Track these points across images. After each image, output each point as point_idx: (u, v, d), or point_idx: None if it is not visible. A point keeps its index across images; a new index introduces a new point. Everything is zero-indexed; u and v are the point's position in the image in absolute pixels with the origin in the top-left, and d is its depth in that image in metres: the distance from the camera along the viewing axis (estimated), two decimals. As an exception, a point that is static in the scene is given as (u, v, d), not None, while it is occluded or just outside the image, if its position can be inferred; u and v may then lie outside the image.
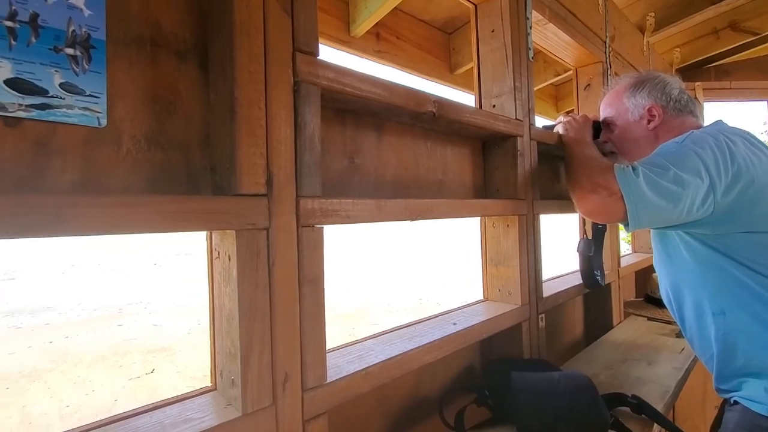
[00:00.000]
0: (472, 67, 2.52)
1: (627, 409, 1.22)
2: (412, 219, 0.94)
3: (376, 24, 2.03)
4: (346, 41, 2.00)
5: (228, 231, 0.66)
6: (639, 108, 1.32)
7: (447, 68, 2.51)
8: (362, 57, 2.12)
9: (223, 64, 0.69)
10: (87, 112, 0.62)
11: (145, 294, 9.67)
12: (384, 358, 0.86)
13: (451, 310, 1.24)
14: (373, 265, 13.33)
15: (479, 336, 1.12)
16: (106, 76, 0.64)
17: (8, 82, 0.56)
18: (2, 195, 0.46)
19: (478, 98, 1.42)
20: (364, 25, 1.97)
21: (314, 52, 0.77)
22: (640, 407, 1.20)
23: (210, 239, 0.73)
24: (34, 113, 0.58)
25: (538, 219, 1.41)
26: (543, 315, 1.41)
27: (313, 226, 0.74)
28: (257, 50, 0.69)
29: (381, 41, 2.14)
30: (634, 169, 1.02)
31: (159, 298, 9.17)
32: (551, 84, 3.31)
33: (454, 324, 1.09)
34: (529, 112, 1.42)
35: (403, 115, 1.03)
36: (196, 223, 0.60)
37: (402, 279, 11.42)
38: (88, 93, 0.62)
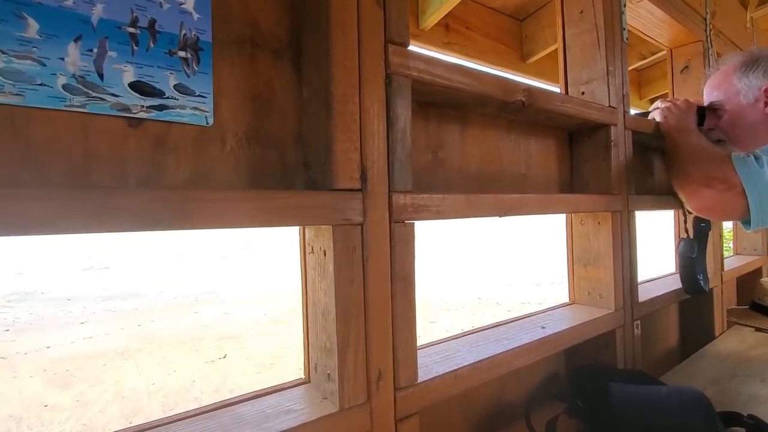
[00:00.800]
0: (545, 56, 2.38)
1: (742, 430, 1.07)
2: (501, 215, 0.89)
3: (445, 15, 1.98)
4: (414, 34, 1.96)
5: (324, 226, 0.66)
6: (753, 89, 1.15)
7: (518, 57, 2.38)
8: (431, 50, 2.08)
9: (317, 60, 0.69)
10: (197, 112, 0.65)
11: (217, 284, 10.41)
12: (473, 360, 0.82)
13: (534, 313, 1.17)
14: (431, 262, 13.21)
15: (570, 342, 1.04)
16: (212, 76, 0.66)
17: (131, 85, 0.60)
18: (137, 190, 0.49)
19: (563, 86, 1.32)
20: (433, 17, 1.92)
21: (405, 43, 0.74)
22: (760, 429, 1.05)
23: (303, 234, 0.74)
24: (153, 114, 0.61)
25: (633, 216, 1.28)
26: (638, 322, 1.28)
27: (404, 222, 0.73)
28: (351, 44, 0.68)
29: (450, 32, 2.08)
30: (756, 158, 0.88)
31: (229, 289, 9.83)
32: (634, 69, 3.03)
33: (543, 328, 1.02)
34: (624, 99, 1.29)
35: (489, 106, 0.98)
36: (295, 218, 0.61)
37: (460, 276, 11.21)
38: (197, 93, 0.65)
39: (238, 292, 9.52)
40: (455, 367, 0.79)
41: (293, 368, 4.95)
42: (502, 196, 0.89)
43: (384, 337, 0.69)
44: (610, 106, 1.22)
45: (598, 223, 1.21)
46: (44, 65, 0.54)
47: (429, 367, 0.79)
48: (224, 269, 13.15)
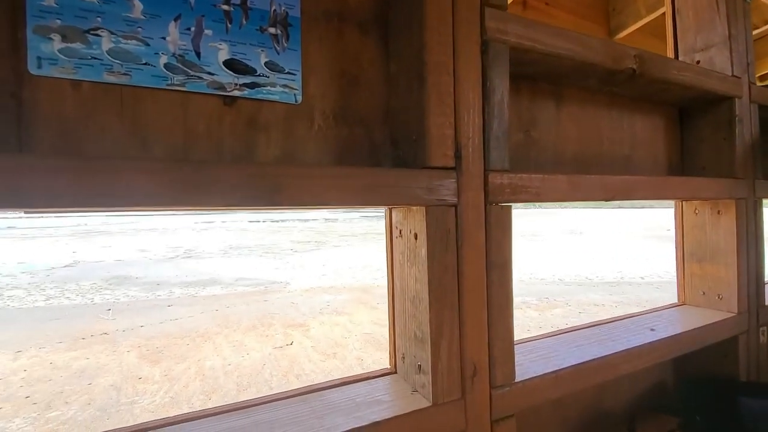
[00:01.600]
0: (637, 30, 2.13)
1: None
2: (607, 198, 0.78)
3: (523, -9, 1.84)
4: (489, 15, 1.85)
5: (415, 207, 0.62)
6: None
7: (605, 32, 2.16)
8: (506, 30, 1.95)
9: (408, 29, 0.64)
10: (286, 89, 0.63)
11: (284, 275, 10.95)
12: (576, 362, 0.73)
13: (638, 313, 1.04)
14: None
15: (685, 348, 0.90)
16: (300, 53, 0.64)
17: (226, 63, 0.60)
18: (236, 163, 0.48)
19: (674, 54, 1.15)
20: (510, -7, 1.80)
21: (503, 5, 0.67)
22: None
23: (389, 217, 0.71)
24: (246, 92, 0.61)
25: (760, 204, 1.09)
26: (765, 328, 1.09)
27: (501, 204, 0.66)
28: (445, 8, 0.62)
29: (528, 9, 1.93)
30: None
31: (295, 279, 10.29)
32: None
33: (652, 330, 0.89)
34: (748, 68, 1.10)
35: (591, 77, 0.87)
36: (387, 198, 0.57)
37: (518, 273, 10.72)
38: (286, 70, 0.63)
39: (302, 282, 9.93)
40: (556, 368, 0.71)
41: (355, 358, 5.05)
42: (609, 178, 0.79)
43: (479, 329, 0.63)
44: (733, 75, 1.04)
45: (718, 212, 1.04)
46: (148, 45, 0.55)
47: (525, 366, 0.71)
48: (291, 262, 13.82)
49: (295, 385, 4.38)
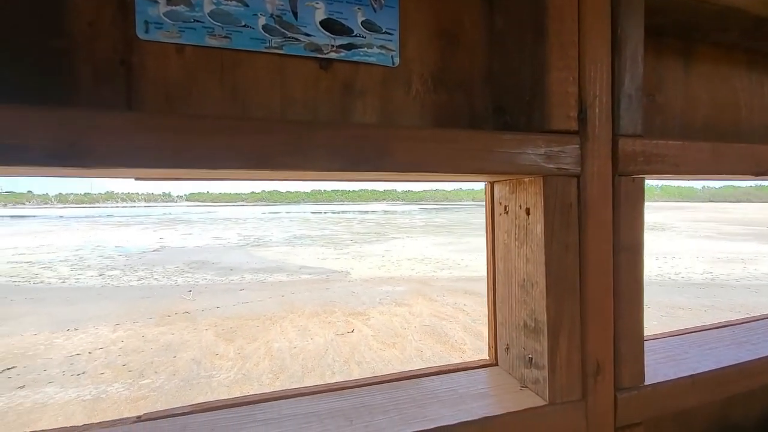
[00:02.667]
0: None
1: None
2: (757, 174, 0.64)
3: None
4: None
5: (527, 179, 0.54)
6: None
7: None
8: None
9: None
10: (383, 51, 0.58)
11: (345, 265, 11.22)
12: (713, 367, 0.61)
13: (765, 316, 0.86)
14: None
15: None
16: (398, 10, 0.59)
17: (322, 23, 0.56)
18: (334, 125, 0.44)
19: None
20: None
21: (637, -64, 0.56)
22: None
23: (491, 192, 0.63)
24: (342, 54, 0.57)
25: None
26: None
27: (632, 176, 0.56)
28: (568, -57, 0.53)
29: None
30: None
31: (355, 269, 10.50)
32: None
33: (808, 335, 0.73)
34: None
35: (732, 29, 0.72)
36: (498, 164, 0.50)
37: (596, 273, 9.97)
38: (384, 30, 0.58)
39: (362, 273, 10.10)
40: (691, 372, 0.60)
41: (414, 350, 5.03)
42: (760, 148, 0.64)
43: (603, 320, 0.54)
44: None
45: None
46: (247, 5, 0.52)
47: (652, 368, 0.61)
48: (351, 252, 14.14)
49: (357, 371, 4.45)
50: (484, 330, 6.02)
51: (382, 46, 0.58)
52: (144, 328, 5.84)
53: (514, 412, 0.49)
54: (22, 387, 3.98)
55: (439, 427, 0.46)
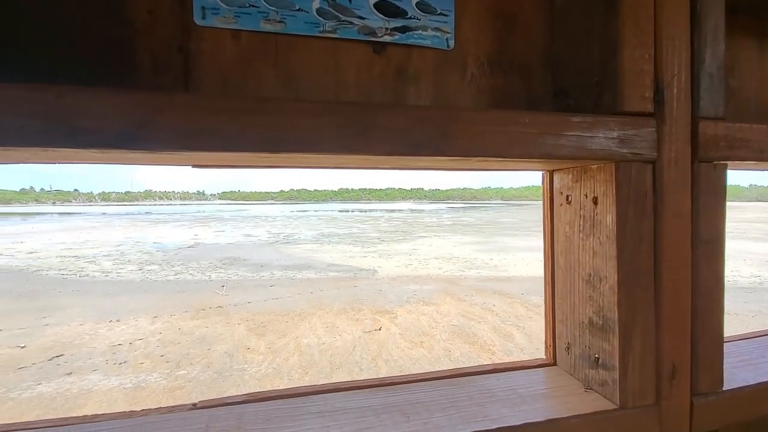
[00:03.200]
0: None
1: None
2: None
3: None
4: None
5: (595, 165, 0.50)
6: None
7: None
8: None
9: None
10: (437, 33, 0.56)
11: (372, 263, 11.25)
12: (802, 375, 0.56)
13: None
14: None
15: None
16: (453, -10, 0.56)
17: (376, 6, 0.54)
18: (396, 106, 0.42)
19: None
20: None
21: None
22: None
23: (549, 181, 0.60)
24: (396, 37, 0.55)
25: None
26: None
27: (713, 162, 0.51)
28: None
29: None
30: None
31: (382, 268, 10.51)
32: None
33: None
34: None
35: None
36: (565, 150, 0.46)
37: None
38: (438, 11, 0.56)
39: (389, 271, 10.10)
40: (776, 379, 0.54)
41: (442, 349, 4.97)
42: None
43: (680, 319, 0.50)
44: None
45: None
46: (302, -12, 0.51)
47: (730, 372, 0.56)
48: (378, 251, 14.18)
49: (384, 369, 4.43)
50: (514, 331, 5.85)
51: (436, 29, 0.56)
52: (180, 321, 6.06)
53: (581, 415, 0.46)
54: (70, 374, 4.20)
55: (501, 428, 0.43)
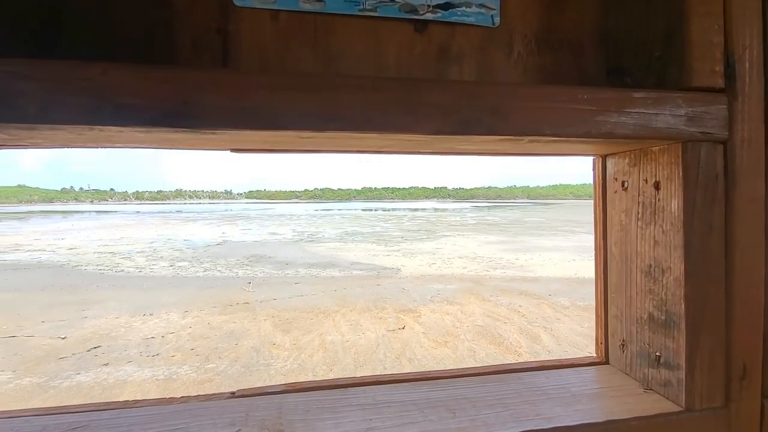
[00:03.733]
0: None
1: None
2: None
3: None
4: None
5: (657, 147, 0.46)
6: None
7: None
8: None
9: None
10: (482, 10, 0.53)
11: (395, 262, 11.24)
12: None
13: None
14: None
15: None
16: (498, -35, 0.53)
17: (416, -16, 0.52)
18: (449, 83, 0.40)
19: None
20: None
21: None
22: None
23: (601, 166, 0.56)
24: (439, 14, 0.52)
25: None
26: None
27: (793, 142, 0.46)
28: None
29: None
30: None
31: (406, 267, 10.49)
32: None
33: None
34: None
35: None
36: (624, 128, 0.43)
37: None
38: (483, -13, 0.53)
39: (413, 270, 10.06)
40: None
41: (467, 349, 4.90)
42: None
43: (753, 315, 0.45)
44: None
45: None
46: (341, -33, 0.50)
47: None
48: (402, 250, 14.17)
49: (408, 368, 4.40)
50: (541, 333, 5.70)
51: (481, 5, 0.53)
52: (209, 316, 6.22)
53: (643, 417, 0.42)
54: (107, 364, 4.38)
55: (557, 428, 0.40)
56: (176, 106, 0.33)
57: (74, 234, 20.53)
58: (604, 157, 0.55)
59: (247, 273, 9.70)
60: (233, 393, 0.46)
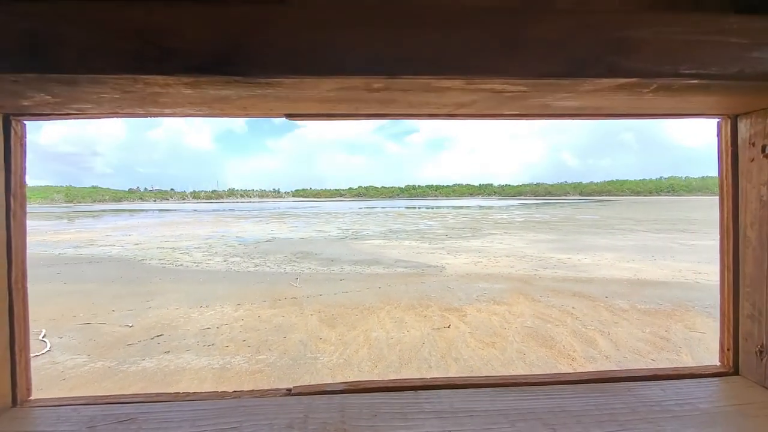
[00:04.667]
0: None
1: None
2: None
3: None
4: None
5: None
6: None
7: None
8: None
9: None
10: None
11: (440, 260, 11.07)
12: None
13: None
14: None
15: None
16: None
17: None
18: (548, 12, 0.32)
19: None
20: None
21: None
22: None
23: (728, 128, 0.45)
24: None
25: None
26: None
27: None
28: None
29: None
30: None
31: (450, 265, 10.29)
32: None
33: None
34: None
35: None
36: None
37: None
38: None
39: (458, 268, 9.85)
40: None
41: (515, 351, 4.69)
42: None
43: None
44: None
45: None
46: None
47: None
48: (446, 247, 13.97)
49: (454, 368, 4.27)
50: (598, 337, 5.36)
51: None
52: (259, 310, 6.45)
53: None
54: (168, 352, 4.66)
55: (695, 457, 0.31)
56: (227, 48, 0.28)
57: (139, 230, 22.28)
58: (734, 118, 0.44)
59: (294, 269, 9.97)
60: (289, 390, 0.41)
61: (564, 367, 4.23)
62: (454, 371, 4.25)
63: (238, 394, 0.41)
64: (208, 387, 3.74)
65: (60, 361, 4.46)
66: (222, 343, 4.92)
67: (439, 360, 4.61)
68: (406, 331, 5.64)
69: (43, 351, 4.70)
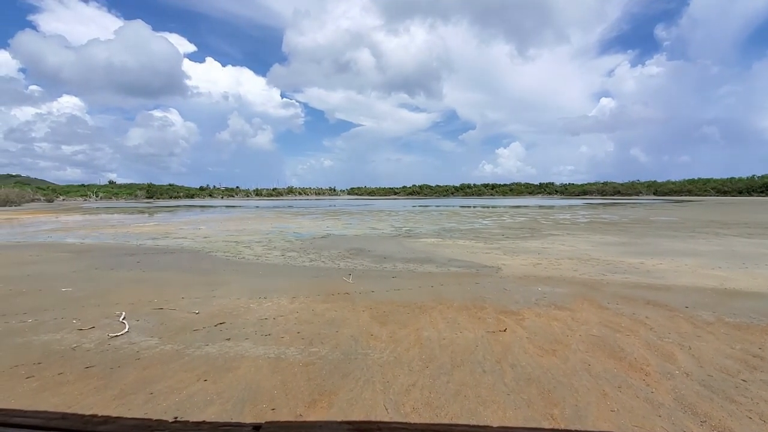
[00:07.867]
0: None
1: None
2: None
3: None
4: None
5: None
6: None
7: None
8: None
9: None
10: None
11: (496, 260, 10.67)
12: None
13: None
14: None
15: None
16: None
17: None
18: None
19: None
20: None
21: None
22: None
23: None
24: None
25: None
26: None
27: None
28: None
29: None
30: None
31: (507, 266, 9.87)
32: None
33: None
34: None
35: None
36: None
37: None
38: None
39: (515, 270, 9.42)
40: None
41: (580, 361, 4.32)
42: None
43: None
44: None
45: None
46: None
47: None
48: (503, 248, 13.45)
49: (510, 374, 4.03)
50: (676, 351, 4.79)
51: None
52: (313, 303, 6.62)
53: None
54: (228, 339, 4.93)
55: None
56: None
57: (208, 225, 24.01)
58: None
59: (347, 265, 10.15)
60: (257, 427, 0.35)
61: (637, 382, 3.83)
62: (509, 378, 4.04)
63: (200, 427, 0.37)
64: (264, 375, 3.89)
65: (136, 341, 4.90)
66: (278, 334, 5.12)
67: (494, 365, 4.40)
68: (459, 332, 5.47)
69: (123, 331, 5.19)
